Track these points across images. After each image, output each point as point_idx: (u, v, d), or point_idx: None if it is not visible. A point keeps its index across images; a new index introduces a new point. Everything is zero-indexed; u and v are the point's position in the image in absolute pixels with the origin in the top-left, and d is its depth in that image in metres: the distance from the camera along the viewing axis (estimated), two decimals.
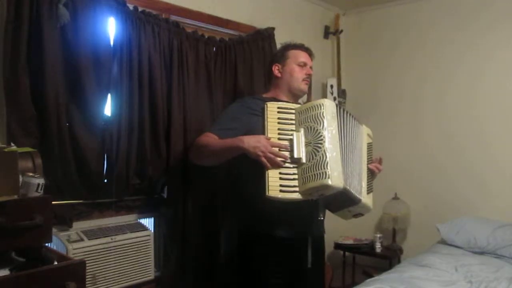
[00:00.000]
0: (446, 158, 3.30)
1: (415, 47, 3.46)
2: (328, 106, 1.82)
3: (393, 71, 3.58)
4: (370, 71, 3.71)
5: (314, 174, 1.70)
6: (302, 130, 1.78)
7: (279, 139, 1.78)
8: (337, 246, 3.39)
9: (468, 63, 3.21)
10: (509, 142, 3.05)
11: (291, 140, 1.77)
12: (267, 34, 2.88)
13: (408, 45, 3.50)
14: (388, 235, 3.39)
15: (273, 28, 2.91)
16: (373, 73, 3.69)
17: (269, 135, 1.79)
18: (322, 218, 1.94)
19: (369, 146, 2.09)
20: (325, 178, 1.67)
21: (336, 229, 3.09)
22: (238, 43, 2.70)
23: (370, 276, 2.66)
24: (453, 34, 3.28)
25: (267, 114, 1.82)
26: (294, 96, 2.11)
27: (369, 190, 1.99)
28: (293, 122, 1.82)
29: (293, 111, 1.85)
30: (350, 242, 3.38)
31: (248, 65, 2.73)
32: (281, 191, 1.71)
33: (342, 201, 1.91)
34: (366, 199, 1.94)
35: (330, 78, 3.60)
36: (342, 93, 3.61)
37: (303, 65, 2.09)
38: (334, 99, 3.54)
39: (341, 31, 3.64)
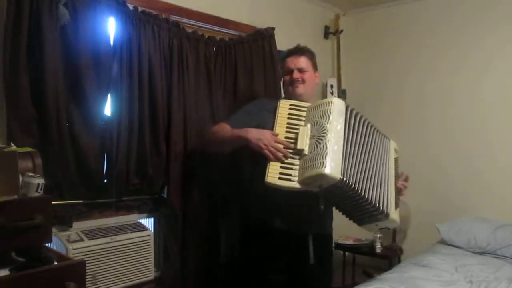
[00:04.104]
0: (447, 158, 3.30)
1: (416, 47, 3.46)
2: (337, 104, 1.86)
3: (393, 71, 3.58)
4: (370, 71, 3.71)
5: (313, 164, 1.73)
6: (309, 125, 1.85)
7: (286, 132, 1.86)
8: (337, 246, 3.39)
9: (470, 63, 3.21)
10: (510, 142, 3.05)
11: (297, 134, 1.83)
12: (267, 34, 2.88)
13: (409, 45, 3.50)
14: (388, 235, 3.39)
15: (273, 28, 2.91)
16: (374, 73, 3.69)
17: (277, 129, 1.88)
18: (322, 209, 1.83)
19: (396, 160, 2.07)
20: (322, 167, 1.69)
21: (336, 229, 3.07)
22: (238, 43, 2.70)
23: (370, 276, 2.66)
24: (455, 33, 3.27)
25: (278, 109, 1.93)
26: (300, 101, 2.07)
27: (396, 205, 1.94)
28: (303, 118, 1.90)
29: (305, 108, 1.93)
30: (350, 242, 3.38)
31: (248, 65, 2.73)
32: (279, 178, 1.77)
33: (365, 211, 1.85)
34: (394, 214, 1.88)
35: (330, 78, 3.60)
36: (342, 93, 3.61)
37: (288, 72, 2.10)
38: None
39: (341, 31, 3.64)
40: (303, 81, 2.07)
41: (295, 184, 1.76)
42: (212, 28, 2.71)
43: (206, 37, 2.54)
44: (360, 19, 3.78)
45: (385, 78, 3.63)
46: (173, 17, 2.46)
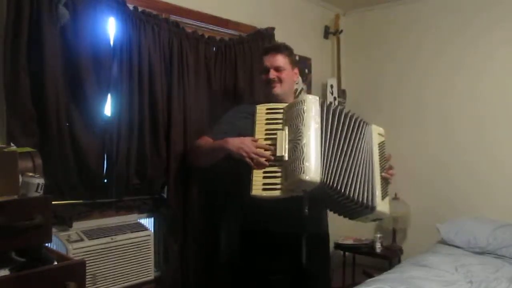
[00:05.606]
0: (447, 158, 3.30)
1: (416, 47, 3.46)
2: (310, 102, 1.80)
3: (393, 71, 3.59)
4: (370, 71, 3.71)
5: (292, 170, 1.71)
6: (286, 128, 1.81)
7: (266, 139, 1.83)
8: (337, 246, 3.39)
9: (469, 63, 3.21)
10: (510, 142, 3.05)
11: (274, 139, 1.80)
12: (267, 34, 2.88)
13: (409, 45, 3.50)
14: (388, 235, 3.39)
15: (273, 28, 2.91)
16: (373, 73, 3.70)
17: (256, 136, 1.85)
18: (306, 212, 1.79)
19: (381, 144, 2.01)
20: (301, 173, 1.67)
21: (336, 229, 3.09)
22: (238, 43, 2.70)
23: (370, 276, 2.66)
24: (454, 33, 3.28)
25: (256, 116, 1.89)
26: (277, 101, 2.04)
27: (384, 195, 1.92)
28: (281, 121, 1.86)
29: (281, 110, 1.88)
30: (350, 242, 3.38)
31: (248, 65, 2.73)
32: (263, 189, 1.75)
33: (351, 208, 1.83)
34: (381, 206, 1.86)
35: (330, 78, 3.60)
36: (342, 93, 3.62)
37: (265, 71, 2.07)
38: (334, 99, 3.55)
39: (341, 31, 3.65)
40: (280, 81, 2.04)
41: (280, 193, 1.74)
42: (212, 28, 2.71)
43: (206, 37, 2.54)
44: (360, 19, 3.78)
45: (384, 78, 3.63)
46: (173, 17, 2.46)
